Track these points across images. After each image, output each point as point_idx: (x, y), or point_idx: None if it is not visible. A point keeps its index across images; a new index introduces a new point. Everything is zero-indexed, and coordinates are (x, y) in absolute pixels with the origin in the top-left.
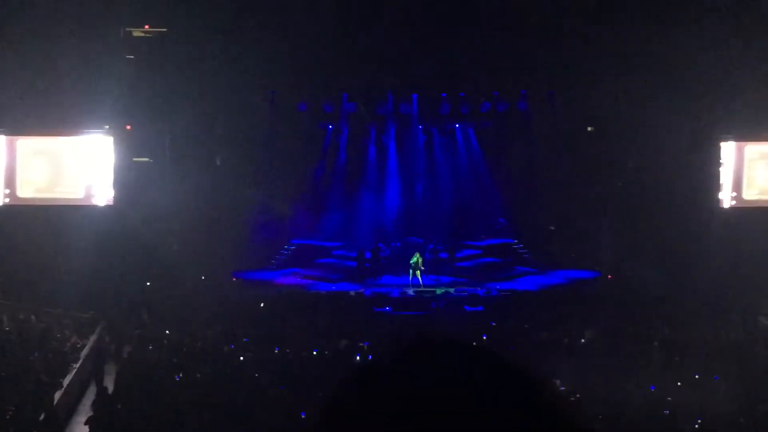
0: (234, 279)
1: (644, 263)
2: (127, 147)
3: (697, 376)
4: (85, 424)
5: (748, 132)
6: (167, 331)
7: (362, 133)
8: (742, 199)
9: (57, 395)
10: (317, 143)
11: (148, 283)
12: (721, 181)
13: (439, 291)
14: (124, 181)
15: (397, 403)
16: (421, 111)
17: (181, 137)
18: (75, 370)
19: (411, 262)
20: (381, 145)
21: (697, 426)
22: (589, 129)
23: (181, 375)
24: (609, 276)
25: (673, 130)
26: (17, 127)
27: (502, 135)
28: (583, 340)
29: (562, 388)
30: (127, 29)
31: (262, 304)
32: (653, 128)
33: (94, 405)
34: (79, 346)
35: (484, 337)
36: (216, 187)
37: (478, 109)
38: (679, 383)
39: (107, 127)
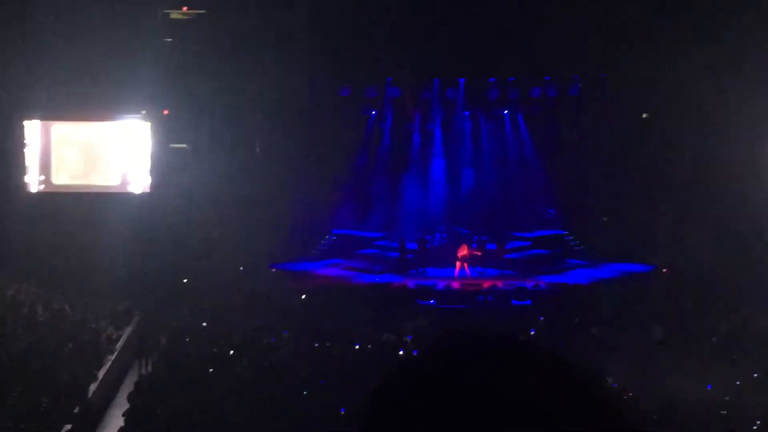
0: (273, 270)
1: (702, 256)
2: (165, 133)
3: (756, 375)
4: (123, 415)
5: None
6: (204, 324)
7: (406, 119)
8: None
9: (92, 388)
10: (360, 130)
11: (185, 280)
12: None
13: (485, 284)
14: (160, 168)
15: (441, 401)
16: (468, 96)
17: (219, 123)
18: (110, 362)
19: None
20: (426, 131)
21: (756, 428)
22: (644, 115)
23: (218, 368)
24: (664, 270)
25: None
26: (52, 113)
27: (553, 121)
28: (636, 336)
29: (615, 385)
30: (165, 11)
31: (303, 296)
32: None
33: (131, 398)
34: (114, 337)
35: (532, 333)
36: (255, 175)
37: (527, 95)
38: (738, 382)
39: (144, 112)
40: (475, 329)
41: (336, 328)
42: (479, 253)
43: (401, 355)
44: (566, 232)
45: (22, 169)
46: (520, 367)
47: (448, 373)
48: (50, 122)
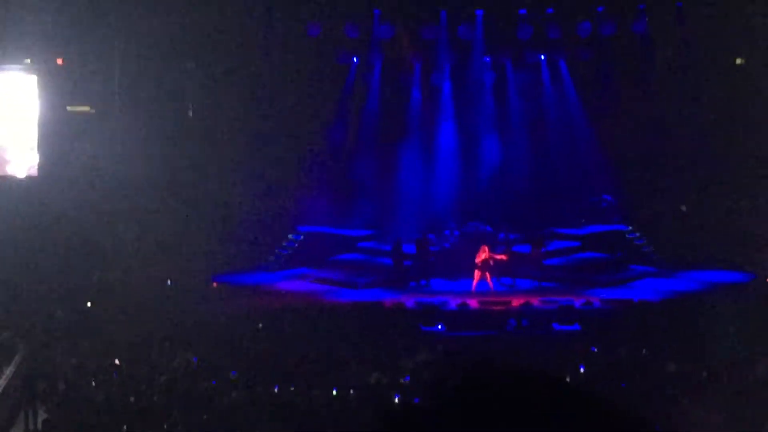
0: (214, 284)
1: None
2: (58, 90)
3: None
4: None
5: None
6: (117, 361)
7: (402, 69)
8: None
9: None
10: (336, 85)
11: (89, 304)
12: None
13: (515, 301)
14: (53, 141)
15: None
16: (488, 36)
17: (135, 77)
18: None
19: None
20: (430, 87)
21: None
22: (738, 61)
23: (137, 424)
24: None
25: None
26: None
27: (609, 71)
28: (732, 375)
29: None
30: None
31: (258, 323)
32: None
33: None
34: None
35: (582, 370)
36: (188, 151)
37: (573, 33)
38: None
39: (29, 61)
40: (499, 367)
41: (305, 365)
42: (506, 258)
43: (396, 403)
44: (629, 228)
45: None
46: (564, 423)
47: (460, 427)
48: None
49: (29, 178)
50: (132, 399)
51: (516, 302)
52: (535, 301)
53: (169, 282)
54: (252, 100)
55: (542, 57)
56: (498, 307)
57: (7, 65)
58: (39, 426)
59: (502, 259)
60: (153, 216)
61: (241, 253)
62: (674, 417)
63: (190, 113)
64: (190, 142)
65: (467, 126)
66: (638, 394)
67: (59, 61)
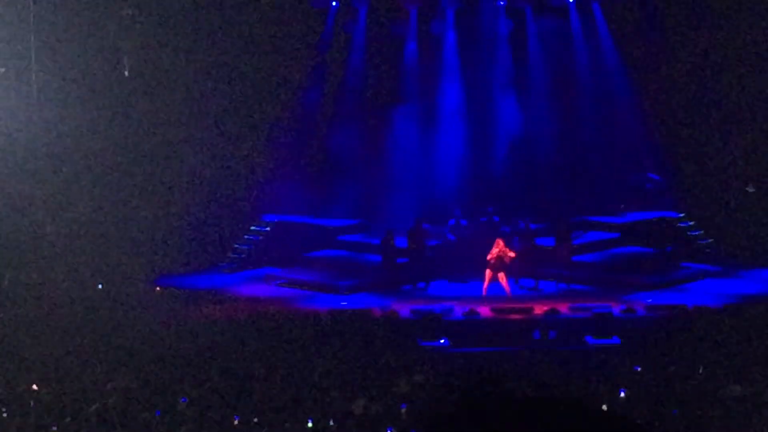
0: (158, 289)
1: None
2: None
3: None
4: None
5: None
6: (34, 386)
7: (393, 15)
8: None
9: None
10: (310, 36)
11: None
12: None
13: (538, 308)
14: None
15: None
16: None
17: (56, 29)
18: None
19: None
20: (429, 37)
21: None
22: None
23: None
24: None
25: None
26: None
27: (657, 14)
28: None
29: None
30: None
31: (211, 336)
32: None
33: None
34: None
35: (622, 394)
36: (121, 122)
37: None
38: None
39: None
40: (518, 392)
41: (271, 391)
42: (526, 254)
43: None
44: (682, 215)
45: None
46: None
47: None
48: None
49: None
50: None
51: (539, 309)
52: (564, 308)
53: (100, 285)
54: (204, 56)
55: (570, 0)
56: (516, 316)
57: None
58: None
59: (520, 256)
60: (80, 202)
61: (191, 251)
62: None
63: (126, 73)
64: (127, 110)
65: (476, 88)
66: (694, 424)
67: None
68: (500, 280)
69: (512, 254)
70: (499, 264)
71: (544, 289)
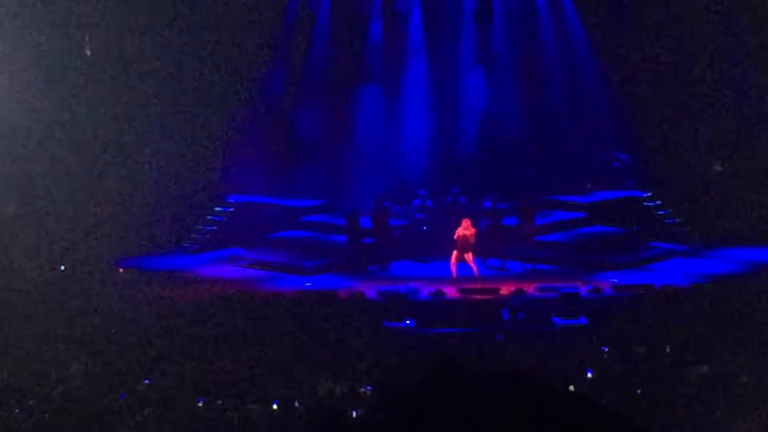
0: (121, 270)
1: None
2: None
3: None
4: None
5: None
6: None
7: None
8: None
9: None
10: (273, 16)
11: None
12: None
13: (504, 288)
14: None
15: None
16: None
17: (10, 4)
18: None
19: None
20: (394, 14)
21: None
22: None
23: None
24: None
25: None
26: None
27: None
28: None
29: None
30: None
31: (174, 317)
32: None
33: None
34: None
35: (589, 375)
36: (83, 100)
37: None
38: None
39: None
40: (484, 373)
41: (236, 372)
42: (492, 232)
43: (355, 418)
44: (648, 194)
45: None
46: None
47: None
48: None
49: None
50: (17, 415)
51: (506, 290)
52: (530, 289)
53: (62, 267)
54: (167, 36)
55: None
56: (483, 296)
57: None
58: None
59: (487, 235)
60: (39, 181)
61: (153, 231)
62: None
63: (88, 52)
64: (88, 90)
65: (442, 66)
66: (660, 403)
67: None
68: (467, 259)
69: (472, 231)
70: (465, 244)
71: (511, 269)
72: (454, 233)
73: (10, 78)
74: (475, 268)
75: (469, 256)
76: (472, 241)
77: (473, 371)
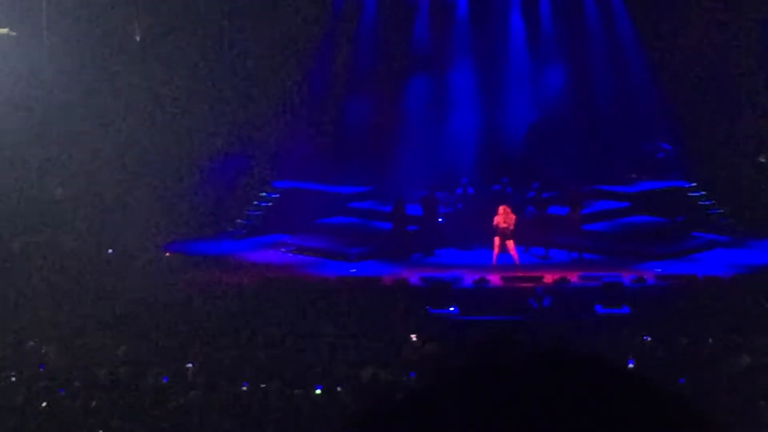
0: (167, 254)
1: None
2: None
3: None
4: None
5: None
6: (43, 348)
7: None
8: None
9: None
10: (320, 7)
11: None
12: None
13: (548, 276)
14: None
15: None
16: None
17: None
18: None
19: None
20: (441, 7)
21: None
22: None
23: (68, 430)
24: None
25: None
26: None
27: None
28: None
29: None
30: None
31: (218, 301)
32: None
33: None
34: None
35: (631, 365)
36: (133, 86)
37: None
38: None
39: None
40: (527, 360)
41: (280, 357)
42: (536, 221)
43: (398, 405)
44: (693, 185)
45: None
46: (605, 420)
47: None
48: None
49: None
50: (62, 397)
51: (549, 278)
52: (574, 277)
53: (110, 250)
54: (216, 22)
55: None
56: (526, 284)
57: None
58: None
59: (531, 224)
60: (90, 167)
61: (201, 216)
62: (748, 423)
63: (137, 38)
64: (138, 75)
65: (489, 58)
66: (702, 393)
67: None
68: (508, 247)
69: (511, 218)
70: (507, 231)
71: (554, 258)
72: (495, 221)
73: (68, 65)
74: (516, 256)
75: (510, 244)
76: (512, 227)
77: (516, 358)
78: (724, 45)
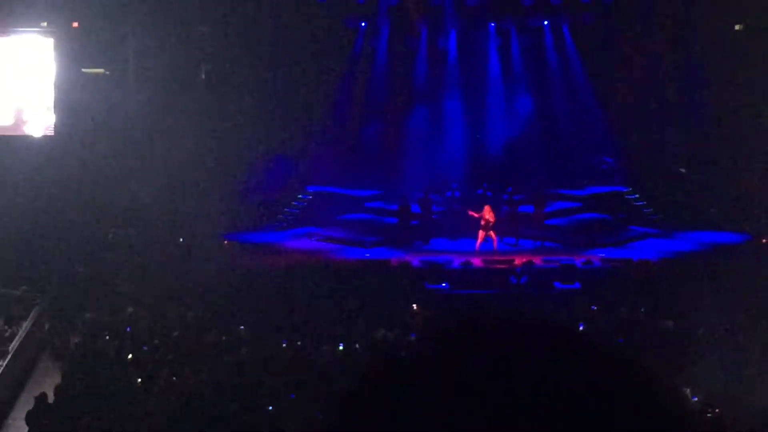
0: (225, 242)
1: None
2: (74, 53)
3: None
4: None
5: None
6: (131, 314)
7: (409, 33)
8: None
9: None
10: (343, 48)
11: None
12: None
13: (518, 260)
14: (69, 103)
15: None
16: (493, 1)
17: (148, 39)
18: (2, 368)
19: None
20: (436, 51)
21: None
22: (736, 27)
23: (150, 378)
24: (765, 240)
25: None
26: None
27: (612, 35)
28: (725, 331)
29: (695, 398)
30: None
31: (267, 279)
32: None
33: (31, 418)
34: (7, 335)
35: (581, 328)
36: (198, 112)
37: None
38: None
39: (45, 24)
40: (502, 322)
41: (312, 321)
42: (509, 217)
43: (403, 358)
44: (629, 189)
45: None
46: (564, 372)
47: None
48: None
49: (45, 137)
50: (145, 352)
51: (519, 261)
52: (537, 261)
53: (181, 239)
54: (263, 62)
55: (545, 23)
56: (501, 266)
57: (24, 28)
58: (55, 380)
59: (505, 220)
60: (164, 176)
61: (251, 213)
62: (671, 373)
63: (203, 75)
64: (202, 105)
65: (472, 90)
66: (636, 350)
67: (75, 25)
68: (491, 237)
69: (491, 217)
70: (488, 225)
71: (523, 246)
72: (481, 217)
73: (148, 97)
74: (495, 245)
75: (492, 234)
76: (492, 222)
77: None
78: (653, 79)
